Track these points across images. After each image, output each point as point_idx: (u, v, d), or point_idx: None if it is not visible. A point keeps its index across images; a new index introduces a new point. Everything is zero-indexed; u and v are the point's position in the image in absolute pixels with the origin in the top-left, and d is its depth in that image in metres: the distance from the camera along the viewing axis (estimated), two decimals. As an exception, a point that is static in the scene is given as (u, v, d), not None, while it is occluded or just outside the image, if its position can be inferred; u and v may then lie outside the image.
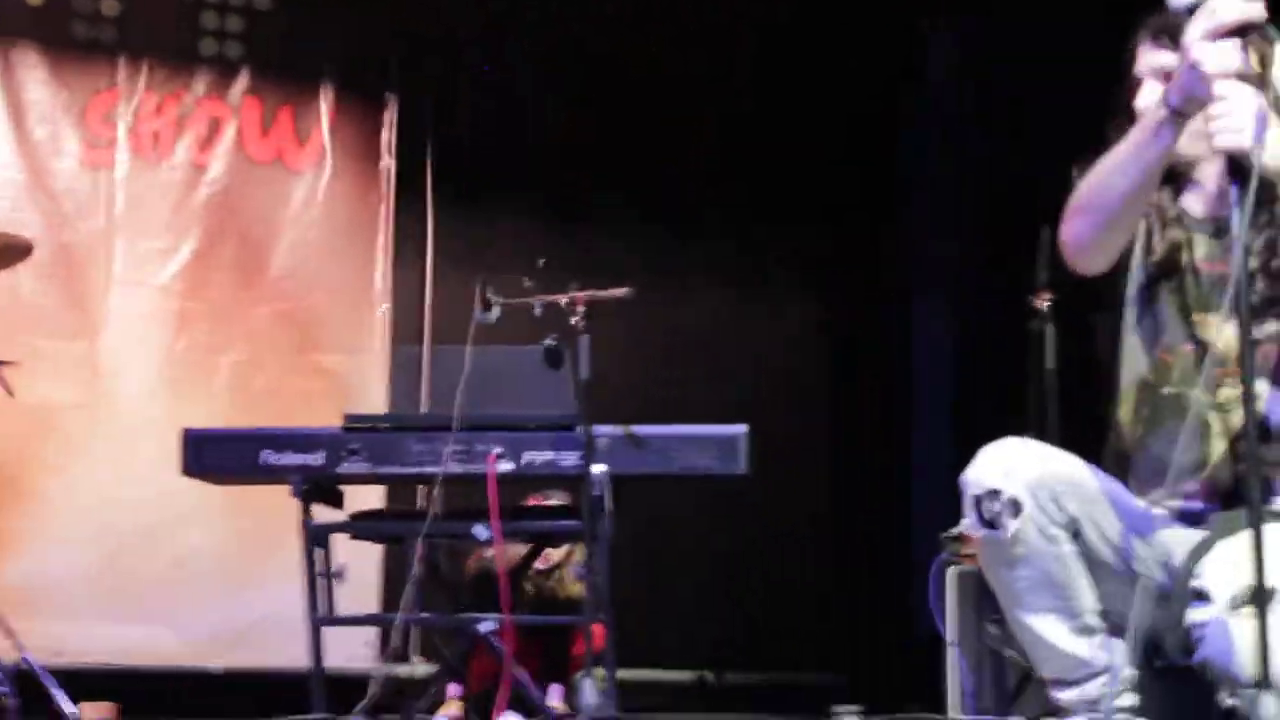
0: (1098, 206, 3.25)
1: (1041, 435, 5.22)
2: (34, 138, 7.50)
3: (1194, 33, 3.00)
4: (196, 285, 7.60)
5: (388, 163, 8.01)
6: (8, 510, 6.42)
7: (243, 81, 7.84)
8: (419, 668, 7.17)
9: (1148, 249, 3.44)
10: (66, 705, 5.43)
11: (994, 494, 3.24)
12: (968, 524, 3.33)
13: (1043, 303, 5.52)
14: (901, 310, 8.90)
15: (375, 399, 7.41)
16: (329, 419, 5.90)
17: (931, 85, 8.86)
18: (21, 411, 6.08)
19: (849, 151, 8.68)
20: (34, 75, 7.53)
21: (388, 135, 8.03)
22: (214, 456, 5.56)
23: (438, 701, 5.97)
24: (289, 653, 6.79)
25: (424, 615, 5.51)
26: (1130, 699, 3.30)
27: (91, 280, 7.44)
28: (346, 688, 5.76)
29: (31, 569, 6.88)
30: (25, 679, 5.68)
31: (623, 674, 5.40)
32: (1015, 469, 3.26)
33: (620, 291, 5.43)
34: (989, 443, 3.36)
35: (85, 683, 5.76)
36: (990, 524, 3.26)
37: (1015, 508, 3.23)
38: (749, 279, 8.59)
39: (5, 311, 7.05)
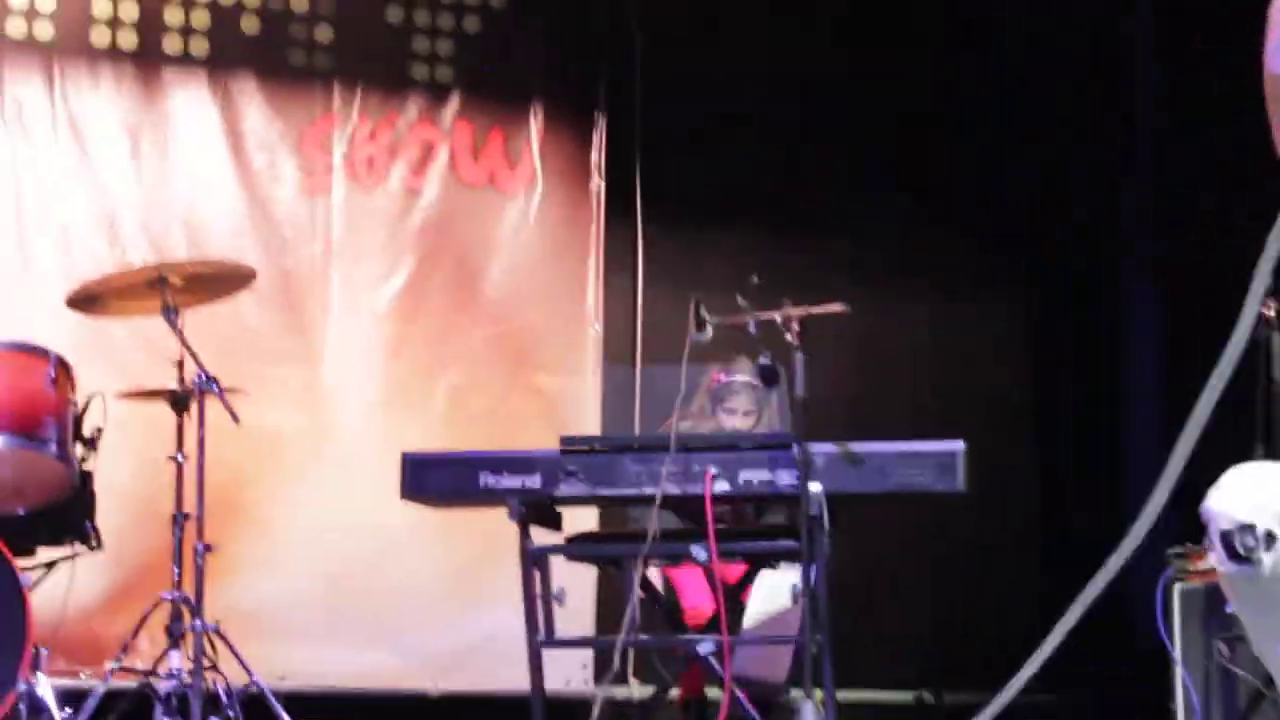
0: None
1: (1268, 448, 5.08)
2: (253, 166, 7.66)
3: None
4: (412, 309, 7.70)
5: (597, 182, 8.04)
6: (234, 535, 6.54)
7: (454, 105, 7.93)
8: (636, 689, 7.18)
9: None
10: (292, 727, 5.53)
11: (1247, 528, 3.13)
12: (1215, 559, 3.21)
13: (1271, 310, 5.35)
14: (1113, 317, 8.71)
15: (589, 419, 7.43)
16: (543, 440, 5.93)
17: (1142, 73, 8.67)
18: (246, 437, 6.18)
19: (1057, 152, 8.53)
20: (252, 104, 7.69)
21: (597, 155, 8.06)
22: (433, 480, 5.61)
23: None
24: (505, 676, 6.86)
25: (643, 637, 5.49)
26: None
27: (311, 306, 7.57)
28: (563, 711, 5.78)
29: (257, 593, 7.01)
30: (253, 702, 5.80)
31: (840, 695, 5.35)
32: (1268, 500, 3.14)
33: (836, 307, 5.37)
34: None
35: (309, 706, 5.86)
36: (1243, 558, 3.14)
37: (1270, 541, 3.11)
38: (956, 289, 8.47)
39: (229, 339, 7.17)
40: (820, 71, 8.23)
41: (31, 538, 5.86)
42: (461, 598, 7.14)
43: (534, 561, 5.58)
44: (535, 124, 8.02)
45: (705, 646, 5.39)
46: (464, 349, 7.70)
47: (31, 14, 7.45)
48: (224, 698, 5.74)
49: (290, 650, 6.64)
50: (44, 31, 7.46)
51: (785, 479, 5.37)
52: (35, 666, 5.31)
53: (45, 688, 5.32)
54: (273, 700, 5.64)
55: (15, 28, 7.44)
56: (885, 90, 8.29)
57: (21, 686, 5.17)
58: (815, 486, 5.24)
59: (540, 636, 5.57)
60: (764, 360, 5.41)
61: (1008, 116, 8.45)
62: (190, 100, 7.64)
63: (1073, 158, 8.59)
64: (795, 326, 5.33)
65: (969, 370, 8.33)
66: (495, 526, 5.87)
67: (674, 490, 5.40)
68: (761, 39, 8.21)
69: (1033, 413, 8.62)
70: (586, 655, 7.43)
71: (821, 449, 5.34)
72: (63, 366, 5.69)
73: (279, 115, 7.73)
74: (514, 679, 6.21)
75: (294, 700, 5.81)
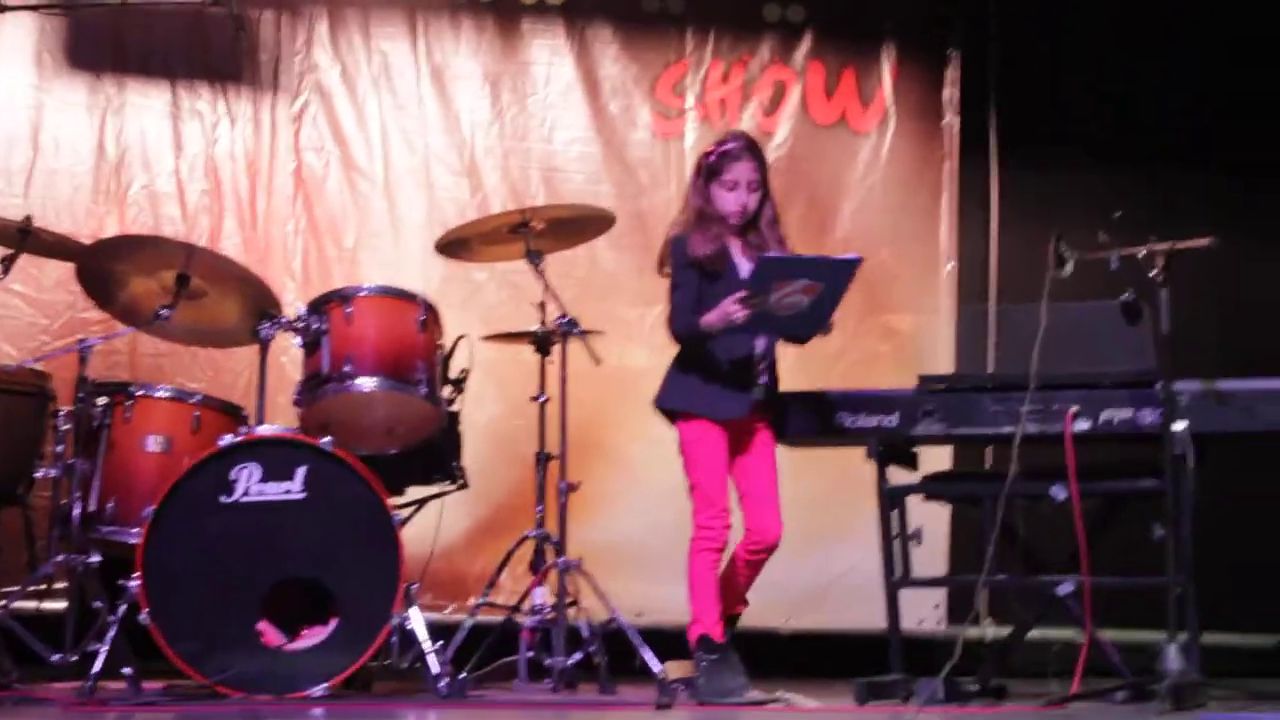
0: None
1: None
2: (609, 112, 7.81)
3: None
4: (769, 249, 7.73)
5: (951, 120, 7.96)
6: (593, 472, 6.65)
7: (806, 45, 7.93)
8: (990, 630, 7.11)
9: None
10: (654, 663, 5.62)
11: None
12: None
13: None
14: None
15: (942, 359, 7.37)
16: (895, 381, 5.92)
17: None
18: (605, 378, 6.29)
19: None
20: (607, 52, 7.85)
21: (950, 91, 7.97)
22: (791, 418, 5.65)
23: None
24: (856, 614, 6.86)
25: (1001, 577, 5.44)
26: None
27: (665, 248, 7.65)
28: (915, 650, 5.77)
29: (614, 531, 7.14)
30: (613, 638, 5.92)
31: (1207, 638, 5.23)
32: None
33: (1202, 241, 5.24)
34: None
35: (665, 641, 5.94)
36: None
37: None
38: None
39: (586, 281, 7.34)
40: (1179, 4, 7.98)
41: (402, 476, 6.09)
42: (813, 536, 7.12)
43: (891, 501, 5.59)
44: (888, 63, 7.97)
45: (1064, 588, 5.32)
46: (819, 289, 7.70)
47: (394, -34, 7.71)
48: (585, 633, 5.88)
49: (646, 587, 6.75)
50: (406, -15, 7.73)
51: (1149, 418, 5.28)
52: (408, 601, 5.50)
53: (417, 622, 5.50)
54: (633, 635, 5.74)
55: (374, -18, 7.72)
56: (1250, 21, 7.99)
57: (394, 620, 5.36)
58: (1180, 425, 5.14)
59: (897, 575, 5.59)
60: (1127, 297, 5.31)
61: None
62: (547, 49, 7.82)
63: None
64: (1159, 261, 5.22)
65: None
66: (847, 465, 5.91)
67: (1033, 429, 5.34)
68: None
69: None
70: (939, 595, 7.40)
71: (1187, 387, 5.24)
72: (430, 310, 5.87)
73: (634, 61, 7.86)
74: (865, 617, 6.23)
75: (651, 636, 5.88)
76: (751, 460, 5.60)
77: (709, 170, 5.63)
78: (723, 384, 5.52)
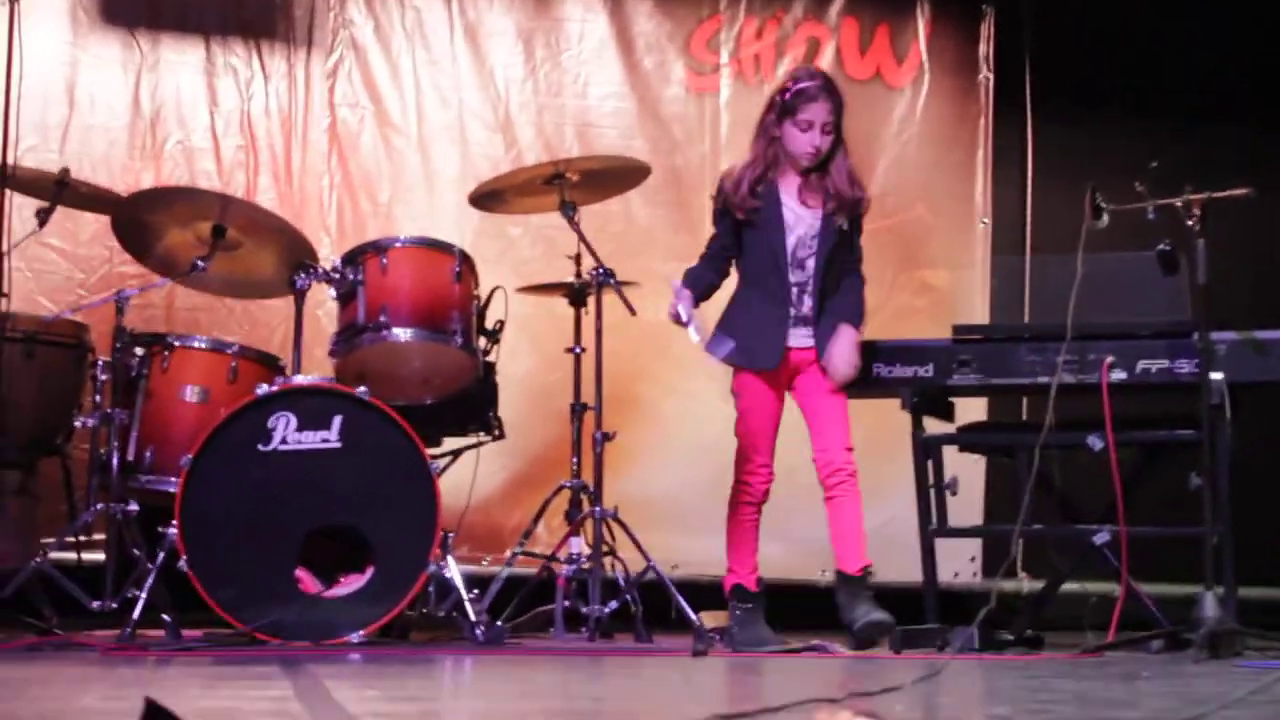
0: None
1: None
2: (643, 68, 7.82)
3: None
4: (803, 204, 7.72)
5: (986, 75, 7.95)
6: (628, 426, 6.64)
7: (840, 1, 7.92)
8: (1026, 584, 7.12)
9: None
10: (689, 612, 5.63)
11: None
12: None
13: None
14: None
15: (977, 313, 7.37)
16: (928, 335, 5.90)
17: None
18: (639, 332, 6.31)
19: None
20: (641, 8, 7.85)
21: (985, 47, 7.97)
22: (832, 370, 5.64)
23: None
24: (895, 566, 6.83)
25: (1038, 527, 5.44)
26: None
27: (699, 203, 7.63)
28: (952, 602, 5.78)
29: (649, 483, 7.17)
30: (649, 588, 5.93)
31: (1243, 591, 5.21)
32: None
33: (1239, 191, 5.22)
34: None
35: (700, 594, 5.96)
36: None
37: None
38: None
39: (621, 235, 7.35)
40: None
41: (439, 427, 6.08)
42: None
43: (926, 451, 5.59)
44: (922, 19, 7.98)
45: (1100, 537, 5.32)
46: (856, 244, 7.72)
47: (427, -78, 7.70)
48: (621, 583, 5.90)
49: (682, 540, 6.77)
50: (441, -59, 7.71)
51: (1185, 367, 5.28)
52: (444, 550, 5.52)
53: (453, 570, 5.53)
54: (669, 586, 5.75)
55: (415, -62, 7.70)
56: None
57: (431, 568, 5.37)
58: (1216, 375, 5.13)
59: (933, 525, 5.59)
60: (1164, 246, 5.30)
61: None
62: (581, 6, 7.82)
63: None
64: (1196, 212, 5.20)
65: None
66: (883, 417, 5.90)
67: (1069, 379, 5.34)
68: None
69: None
70: (975, 548, 7.41)
71: (1223, 337, 5.23)
72: (466, 261, 5.86)
73: (667, 17, 7.87)
74: (903, 569, 6.22)
75: (686, 588, 5.89)
76: (812, 393, 5.51)
77: (783, 108, 5.44)
78: (757, 332, 5.48)
